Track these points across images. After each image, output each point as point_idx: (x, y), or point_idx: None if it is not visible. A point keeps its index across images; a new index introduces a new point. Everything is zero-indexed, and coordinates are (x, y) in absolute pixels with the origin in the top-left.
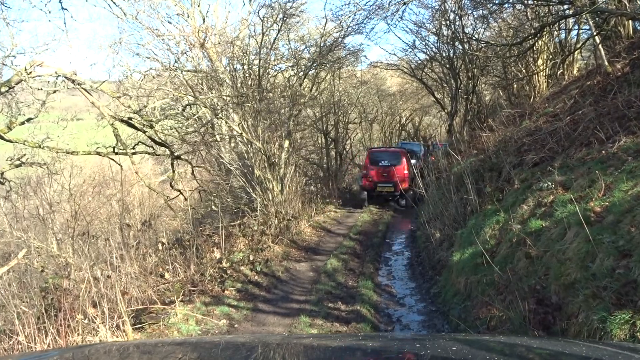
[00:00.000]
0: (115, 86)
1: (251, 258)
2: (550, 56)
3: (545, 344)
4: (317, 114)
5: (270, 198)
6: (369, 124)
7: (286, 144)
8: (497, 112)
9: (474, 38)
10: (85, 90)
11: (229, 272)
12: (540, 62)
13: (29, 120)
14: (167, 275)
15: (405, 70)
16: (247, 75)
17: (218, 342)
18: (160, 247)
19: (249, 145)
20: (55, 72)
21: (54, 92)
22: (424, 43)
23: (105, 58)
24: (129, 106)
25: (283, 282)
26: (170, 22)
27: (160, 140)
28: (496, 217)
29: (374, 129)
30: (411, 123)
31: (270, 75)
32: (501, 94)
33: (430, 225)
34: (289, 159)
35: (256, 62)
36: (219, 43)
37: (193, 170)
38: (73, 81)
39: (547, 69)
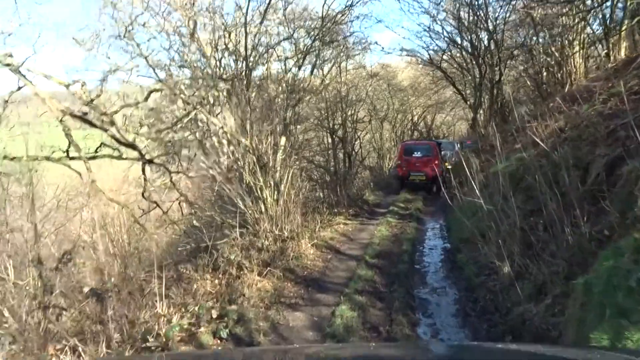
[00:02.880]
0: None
1: (214, 314)
2: (590, 37)
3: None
4: (322, 110)
5: (263, 209)
6: (380, 123)
7: (282, 141)
8: (518, 105)
9: None
10: (24, 76)
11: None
12: (576, 44)
13: None
14: None
15: (422, 57)
16: (230, 52)
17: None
18: (61, 308)
19: (237, 145)
20: None
21: (19, 89)
22: (441, 26)
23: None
24: (80, 97)
25: None
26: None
27: (126, 141)
28: None
29: (385, 129)
30: (423, 122)
31: (260, 55)
32: (528, 83)
33: (479, 247)
34: (286, 160)
35: (242, 32)
36: (187, 4)
37: (171, 178)
38: (7, 65)
39: (585, 49)
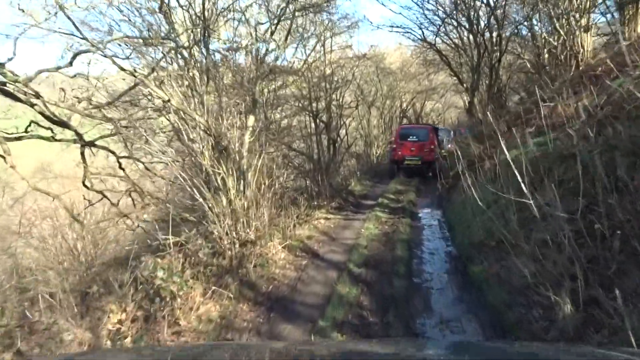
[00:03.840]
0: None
1: None
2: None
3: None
4: (304, 91)
5: (225, 204)
6: (367, 108)
7: (251, 120)
8: (511, 91)
9: None
10: None
11: None
12: (584, 22)
13: None
14: None
15: (416, 34)
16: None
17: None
18: None
19: (193, 123)
20: None
21: None
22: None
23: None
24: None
25: None
26: None
27: (57, 118)
28: None
29: (372, 115)
30: (412, 109)
31: (221, 13)
32: (528, 66)
33: (501, 256)
34: (255, 144)
35: None
36: None
37: (120, 163)
38: None
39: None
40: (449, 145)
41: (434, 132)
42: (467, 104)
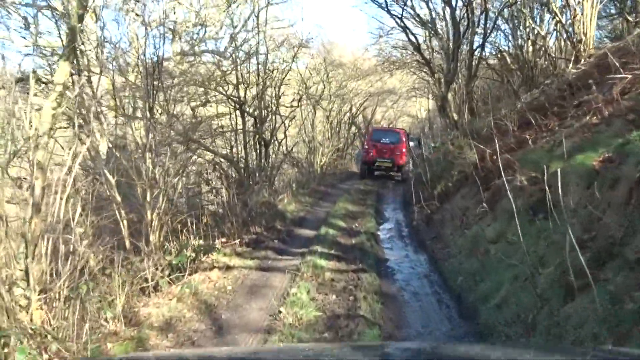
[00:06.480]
0: None
1: None
2: None
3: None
4: (225, 69)
5: None
6: (312, 107)
7: (62, 74)
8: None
9: None
10: None
11: None
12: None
13: None
14: None
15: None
16: None
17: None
18: None
19: None
20: None
21: None
22: None
23: None
24: None
25: None
26: None
27: None
28: None
29: (318, 120)
30: (362, 114)
31: None
32: (508, 60)
33: None
34: (76, 123)
35: None
36: None
37: None
38: None
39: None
40: (417, 152)
41: (406, 136)
42: (439, 100)
